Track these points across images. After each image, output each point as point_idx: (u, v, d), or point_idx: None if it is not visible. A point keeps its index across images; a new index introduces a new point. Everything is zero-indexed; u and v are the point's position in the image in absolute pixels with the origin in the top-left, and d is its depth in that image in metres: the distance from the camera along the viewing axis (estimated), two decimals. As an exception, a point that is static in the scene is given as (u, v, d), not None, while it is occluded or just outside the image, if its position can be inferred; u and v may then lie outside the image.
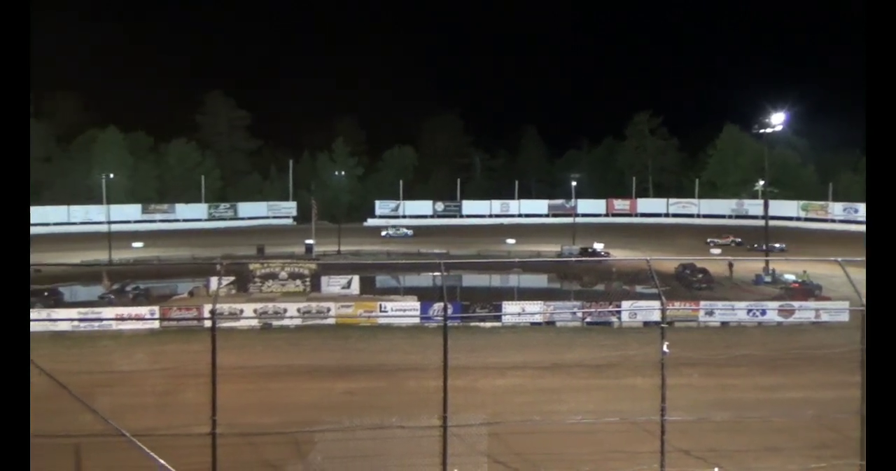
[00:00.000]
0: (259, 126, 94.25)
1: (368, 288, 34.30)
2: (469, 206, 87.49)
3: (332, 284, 33.96)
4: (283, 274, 33.53)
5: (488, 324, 29.39)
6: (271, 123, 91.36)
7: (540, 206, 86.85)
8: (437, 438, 12.62)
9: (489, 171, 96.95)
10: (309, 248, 53.88)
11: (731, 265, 40.76)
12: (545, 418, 16.12)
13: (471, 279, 35.31)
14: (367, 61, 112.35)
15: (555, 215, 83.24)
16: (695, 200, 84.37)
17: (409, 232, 70.51)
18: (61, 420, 12.60)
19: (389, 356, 22.65)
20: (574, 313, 30.49)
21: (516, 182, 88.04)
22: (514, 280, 36.81)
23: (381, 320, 29.22)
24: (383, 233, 69.51)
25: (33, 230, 72.00)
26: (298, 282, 33.60)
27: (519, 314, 30.21)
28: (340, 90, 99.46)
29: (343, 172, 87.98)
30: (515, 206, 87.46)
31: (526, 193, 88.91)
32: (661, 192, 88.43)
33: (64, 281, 34.64)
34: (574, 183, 70.02)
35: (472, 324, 28.48)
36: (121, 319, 27.55)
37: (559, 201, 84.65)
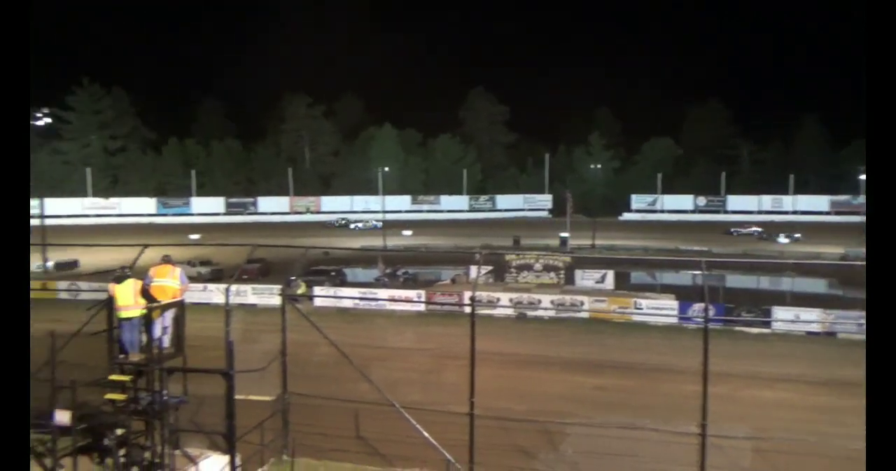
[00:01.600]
0: (517, 120, 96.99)
1: (623, 284, 33.65)
2: (734, 201, 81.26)
3: (586, 278, 33.86)
4: (538, 266, 34.22)
5: (755, 330, 27.10)
6: (529, 118, 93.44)
7: (820, 202, 77.75)
8: (694, 446, 12.02)
9: (758, 163, 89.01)
10: (563, 241, 54.24)
11: None
12: (821, 439, 14.51)
13: (735, 280, 32.84)
14: (624, 51, 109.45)
15: (838, 213, 73.94)
16: None
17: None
18: (344, 387, 14.30)
19: (643, 355, 22.00)
20: (860, 325, 26.84)
21: (791, 176, 79.73)
22: (787, 283, 33.43)
23: (636, 318, 28.45)
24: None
25: (319, 218, 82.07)
26: (552, 274, 34.05)
27: (792, 322, 27.40)
28: (597, 82, 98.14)
29: (599, 166, 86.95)
30: (789, 202, 79.31)
31: (802, 188, 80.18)
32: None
33: (347, 264, 38.95)
34: (863, 176, 60.93)
35: (737, 328, 26.50)
36: (392, 300, 30.34)
37: (844, 197, 74.97)
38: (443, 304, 29.77)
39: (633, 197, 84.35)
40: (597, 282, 33.60)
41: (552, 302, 30.20)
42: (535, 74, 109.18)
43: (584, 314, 29.30)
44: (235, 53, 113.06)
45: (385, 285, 34.73)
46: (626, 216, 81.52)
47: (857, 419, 16.73)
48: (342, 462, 12.78)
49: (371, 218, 75.52)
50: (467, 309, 21.54)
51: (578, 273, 34.21)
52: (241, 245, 20.72)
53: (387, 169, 79.98)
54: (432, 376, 18.64)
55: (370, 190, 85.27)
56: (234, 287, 26.14)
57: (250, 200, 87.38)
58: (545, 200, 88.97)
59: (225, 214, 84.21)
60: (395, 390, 13.83)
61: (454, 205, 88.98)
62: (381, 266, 37.92)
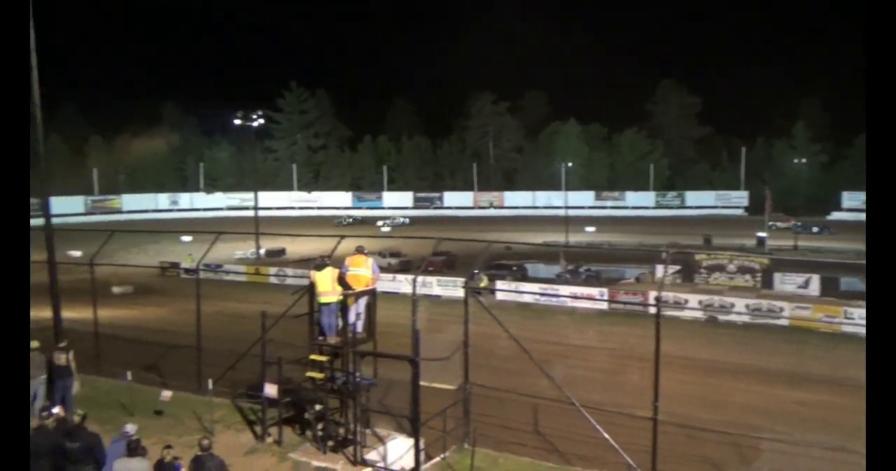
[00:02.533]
0: (709, 113, 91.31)
1: (831, 290, 30.46)
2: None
3: (787, 282, 31.13)
4: (732, 267, 32.00)
5: None
6: (722, 110, 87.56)
7: None
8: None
9: None
10: (761, 241, 50.40)
11: None
12: None
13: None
14: (826, 36, 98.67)
15: None
16: None
17: None
18: (524, 381, 14.40)
19: (854, 370, 19.76)
20: None
21: None
22: None
23: (846, 329, 25.65)
24: None
25: (502, 213, 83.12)
26: (748, 276, 31.69)
27: None
28: (802, 71, 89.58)
29: (804, 160, 79.51)
30: None
31: None
32: None
33: (529, 258, 39.09)
34: None
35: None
36: (574, 297, 29.95)
37: None
38: (626, 303, 28.88)
39: (845, 194, 76.13)
40: (799, 287, 30.74)
41: (747, 306, 28.11)
42: (729, 64, 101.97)
43: (784, 321, 26.95)
44: (425, 55, 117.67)
45: (566, 282, 34.39)
46: (836, 215, 73.85)
47: None
48: (521, 456, 12.87)
49: (399, 215, 75.08)
50: (652, 309, 20.74)
51: (778, 277, 31.51)
52: (428, 238, 21.55)
53: (570, 164, 78.95)
54: (614, 377, 18.18)
55: (553, 186, 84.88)
56: (420, 278, 27.32)
57: (436, 194, 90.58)
58: (740, 198, 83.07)
59: (413, 207, 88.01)
60: (576, 389, 13.67)
61: (640, 201, 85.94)
62: (563, 262, 37.58)
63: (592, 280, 34.97)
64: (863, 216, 70.54)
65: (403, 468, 12.05)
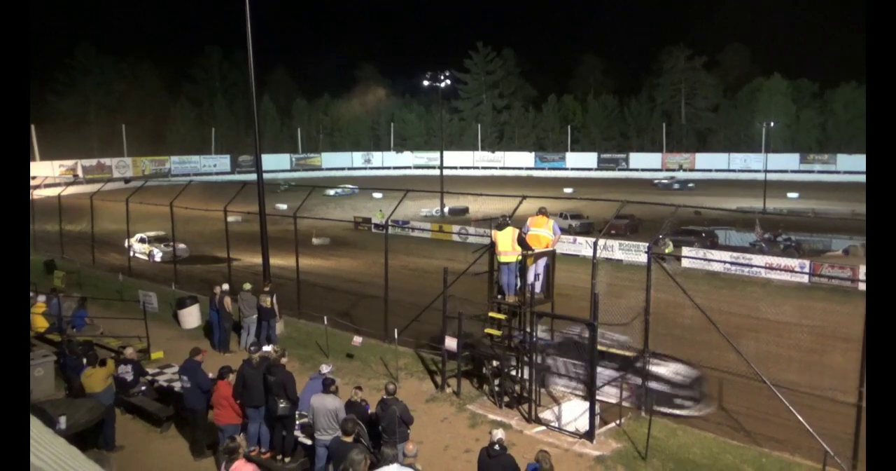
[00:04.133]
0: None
1: None
2: None
3: None
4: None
5: None
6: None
7: None
8: None
9: None
10: None
11: None
12: None
13: None
14: None
15: None
16: None
17: None
18: (709, 353, 13.72)
19: None
20: None
21: None
22: None
23: None
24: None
25: (692, 176, 78.57)
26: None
27: None
28: None
29: None
30: None
31: None
32: None
33: (720, 225, 36.74)
34: None
35: None
36: (770, 268, 27.72)
37: None
38: (832, 277, 26.23)
39: None
40: None
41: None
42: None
43: None
44: (614, 9, 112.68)
45: (762, 251, 31.93)
46: None
47: None
48: (703, 431, 12.36)
49: (351, 186, 66.39)
50: (862, 286, 18.71)
51: None
52: (612, 201, 20.95)
53: (773, 124, 72.38)
54: (813, 356, 16.72)
55: (751, 147, 78.56)
56: (601, 241, 26.71)
57: (622, 156, 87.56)
58: None
59: (597, 169, 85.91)
60: (767, 366, 12.78)
61: (853, 165, 77.01)
62: (759, 230, 34.84)
63: (792, 250, 32.14)
64: None
65: (578, 430, 12.07)
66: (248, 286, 17.33)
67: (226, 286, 17.52)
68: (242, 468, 8.04)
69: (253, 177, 20.85)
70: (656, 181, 72.09)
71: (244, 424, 10.90)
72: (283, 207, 45.80)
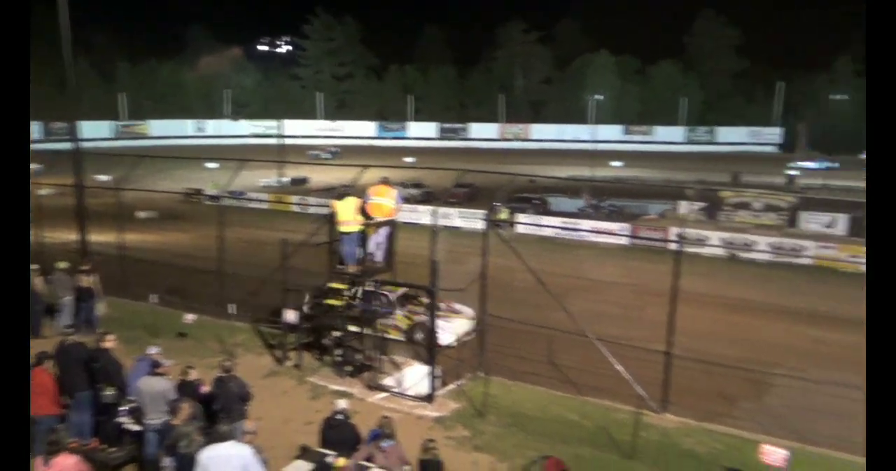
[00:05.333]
0: (747, 46, 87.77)
1: (859, 230, 29.87)
2: None
3: (813, 221, 30.61)
4: (758, 205, 31.44)
5: None
6: (761, 43, 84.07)
7: None
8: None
9: None
10: (791, 179, 49.37)
11: None
12: None
13: None
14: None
15: None
16: None
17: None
18: (541, 313, 14.49)
19: (875, 310, 19.64)
20: None
21: None
22: None
23: (871, 268, 25.35)
24: None
25: (530, 145, 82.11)
26: (774, 215, 31.18)
27: None
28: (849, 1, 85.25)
29: (846, 96, 76.79)
30: None
31: None
32: None
33: (552, 192, 38.72)
34: None
35: None
36: (595, 232, 29.79)
37: None
38: (648, 239, 28.66)
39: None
40: (826, 226, 30.22)
41: (770, 245, 27.77)
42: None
43: (807, 261, 26.65)
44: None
45: (589, 216, 34.14)
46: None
47: None
48: (535, 385, 13.11)
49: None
50: (673, 246, 20.57)
51: (804, 215, 30.98)
52: (451, 170, 21.36)
53: (600, 97, 77.08)
54: (632, 312, 18.22)
55: (582, 119, 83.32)
56: (441, 210, 27.27)
57: (462, 125, 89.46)
58: (774, 134, 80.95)
59: (438, 138, 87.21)
60: (593, 322, 13.75)
61: (669, 136, 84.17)
62: (587, 197, 37.19)
63: (615, 215, 34.66)
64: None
65: (419, 394, 12.35)
66: (62, 265, 15.88)
67: (35, 266, 15.94)
68: (64, 462, 7.42)
69: (67, 146, 19.05)
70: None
71: (63, 414, 10.07)
72: (105, 178, 42.29)
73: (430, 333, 12.44)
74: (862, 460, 10.54)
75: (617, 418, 11.89)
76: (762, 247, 27.69)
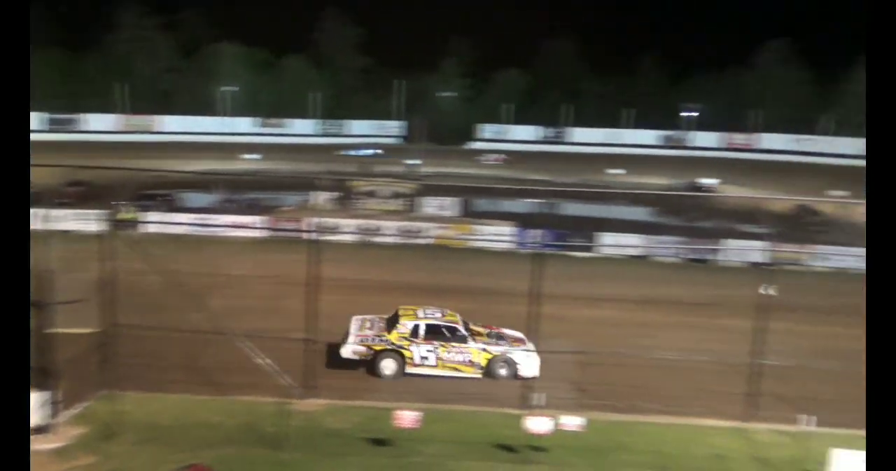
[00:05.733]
0: (372, 44, 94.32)
1: (466, 211, 34.51)
2: (577, 133, 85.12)
3: (431, 205, 34.40)
4: (385, 192, 34.19)
5: (584, 254, 29.01)
6: (384, 42, 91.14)
7: (652, 136, 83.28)
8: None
9: (601, 98, 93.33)
10: (412, 167, 54.50)
11: (843, 208, 38.09)
12: (635, 351, 16.02)
13: (571, 208, 34.54)
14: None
15: (667, 147, 79.73)
16: (824, 138, 78.34)
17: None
18: (176, 316, 13.72)
19: (482, 280, 22.90)
20: (673, 248, 29.59)
21: (629, 111, 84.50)
22: (616, 211, 35.73)
23: (476, 244, 29.46)
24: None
25: (157, 138, 76.76)
26: (399, 201, 34.23)
27: (616, 246, 29.56)
28: (455, 10, 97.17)
29: (453, 94, 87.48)
30: (625, 135, 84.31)
31: (638, 123, 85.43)
32: (786, 127, 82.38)
33: (182, 187, 36.74)
34: (691, 113, 65.77)
35: (568, 253, 28.19)
36: (231, 226, 29.12)
37: (673, 132, 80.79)
38: (284, 230, 29.08)
39: (482, 127, 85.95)
40: (441, 209, 34.23)
41: (397, 229, 30.43)
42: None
43: (429, 241, 29.89)
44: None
45: (224, 211, 33.28)
46: (475, 146, 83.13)
47: (666, 333, 18.61)
48: (174, 394, 12.39)
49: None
50: (310, 235, 21.21)
51: (425, 200, 34.65)
52: (59, 166, 18.81)
53: (234, 89, 75.12)
54: (273, 303, 18.33)
55: (214, 111, 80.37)
56: (50, 212, 23.72)
57: (74, 116, 79.41)
58: (397, 127, 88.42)
59: (48, 130, 76.04)
60: (234, 319, 13.51)
61: (303, 129, 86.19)
62: (220, 191, 36.19)
63: (251, 208, 34.40)
64: (498, 146, 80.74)
65: (38, 426, 10.72)
66: None
67: None
68: None
69: None
70: None
71: None
72: None
73: (45, 352, 10.85)
74: (462, 409, 12.28)
75: (263, 411, 11.90)
76: (390, 231, 30.16)
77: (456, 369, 14.49)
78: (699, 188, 47.66)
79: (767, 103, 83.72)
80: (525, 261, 14.13)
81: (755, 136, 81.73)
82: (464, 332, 14.82)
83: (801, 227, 35.21)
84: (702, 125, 76.16)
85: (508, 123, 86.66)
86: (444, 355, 14.40)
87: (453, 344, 14.50)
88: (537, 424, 10.62)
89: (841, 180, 50.99)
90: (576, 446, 10.93)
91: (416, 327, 14.51)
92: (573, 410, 12.00)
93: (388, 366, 14.24)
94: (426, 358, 14.35)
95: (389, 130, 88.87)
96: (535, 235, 27.22)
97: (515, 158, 67.88)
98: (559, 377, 14.31)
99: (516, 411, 12.20)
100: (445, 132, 77.90)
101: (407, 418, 10.66)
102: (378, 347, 14.26)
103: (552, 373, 13.98)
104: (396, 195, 34.36)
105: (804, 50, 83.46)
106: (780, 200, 39.57)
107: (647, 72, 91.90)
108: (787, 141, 79.83)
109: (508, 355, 14.65)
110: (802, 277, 25.95)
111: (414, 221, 31.28)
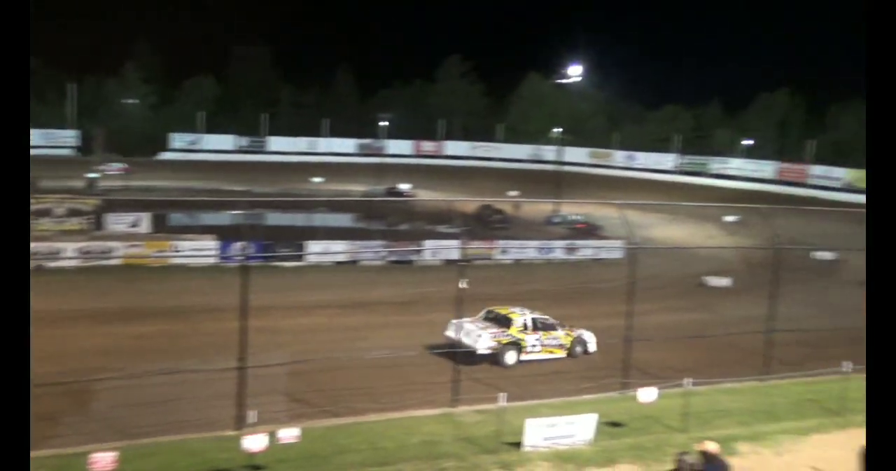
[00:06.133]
0: (38, 45, 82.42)
1: (161, 226, 31.91)
2: (275, 142, 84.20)
3: (119, 222, 31.21)
4: (61, 210, 30.11)
5: (291, 263, 28.85)
6: (53, 42, 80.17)
7: (349, 145, 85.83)
8: (235, 380, 12.29)
9: (297, 107, 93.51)
10: (91, 182, 48.96)
11: (518, 206, 43.41)
12: (347, 354, 16.35)
13: (274, 218, 33.91)
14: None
15: (363, 155, 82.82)
16: (498, 145, 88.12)
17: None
18: None
19: (185, 298, 21.50)
20: (377, 252, 30.87)
21: (325, 120, 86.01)
22: (319, 219, 36.04)
23: (176, 261, 27.49)
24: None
25: None
26: (78, 219, 30.41)
27: (322, 254, 29.88)
28: (136, 12, 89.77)
29: (136, 100, 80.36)
30: (323, 144, 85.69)
31: (335, 132, 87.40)
32: (467, 135, 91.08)
33: None
34: (384, 123, 69.36)
35: (275, 264, 27.75)
36: None
37: (368, 141, 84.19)
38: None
39: (174, 136, 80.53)
40: (131, 226, 31.25)
41: (79, 250, 27.04)
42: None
43: (117, 261, 27.07)
44: None
45: None
46: (166, 156, 77.58)
47: (377, 333, 19.38)
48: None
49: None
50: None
51: (110, 217, 31.29)
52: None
53: None
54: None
55: None
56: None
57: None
58: (69, 137, 78.63)
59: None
60: None
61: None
62: None
63: None
64: (191, 156, 76.32)
65: None
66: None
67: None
68: None
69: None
70: None
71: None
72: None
73: None
74: (170, 439, 11.45)
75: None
76: (70, 253, 26.70)
77: (551, 352, 17.55)
78: (397, 193, 50.36)
79: (450, 113, 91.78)
80: (232, 275, 13.53)
81: (441, 143, 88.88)
82: (552, 321, 17.88)
83: (487, 225, 39.24)
84: (394, 134, 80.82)
85: (202, 131, 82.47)
86: (546, 342, 17.46)
87: (549, 332, 17.54)
88: (252, 442, 10.26)
89: (514, 182, 58.03)
90: (296, 457, 10.76)
91: (528, 321, 17.39)
92: (291, 421, 11.83)
93: (511, 356, 16.90)
94: (535, 346, 17.29)
95: (61, 139, 78.75)
96: (240, 247, 26.34)
97: (211, 168, 64.93)
98: (274, 391, 13.99)
99: (232, 433, 11.64)
100: (132, 142, 71.43)
101: (103, 460, 9.53)
102: (504, 341, 16.84)
103: (266, 387, 13.59)
104: (74, 213, 30.49)
105: (478, 66, 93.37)
106: (467, 201, 43.68)
107: (341, 83, 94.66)
108: (468, 148, 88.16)
109: (581, 336, 18.04)
110: (490, 270, 28.94)
111: (98, 241, 28.06)
